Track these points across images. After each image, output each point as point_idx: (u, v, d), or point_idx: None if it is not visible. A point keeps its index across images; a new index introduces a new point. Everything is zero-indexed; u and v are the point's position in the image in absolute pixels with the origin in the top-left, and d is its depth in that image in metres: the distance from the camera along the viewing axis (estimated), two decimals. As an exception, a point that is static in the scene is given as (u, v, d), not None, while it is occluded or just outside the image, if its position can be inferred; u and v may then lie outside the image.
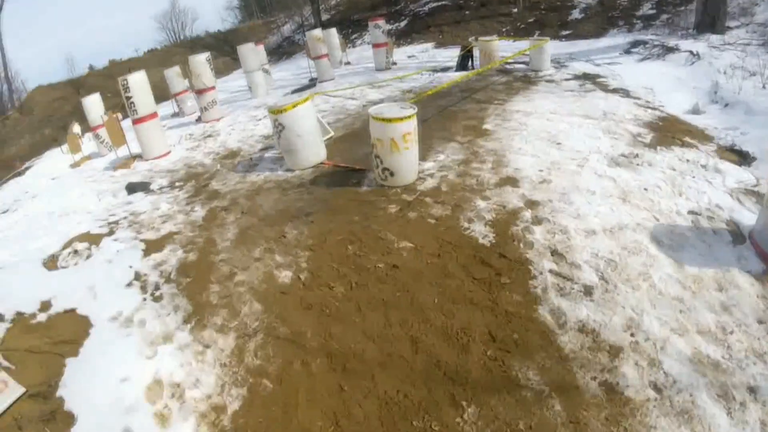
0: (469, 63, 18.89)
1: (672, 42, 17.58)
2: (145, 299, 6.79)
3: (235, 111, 17.60)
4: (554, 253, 6.56)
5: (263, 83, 19.92)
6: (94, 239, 8.61)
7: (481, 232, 7.09)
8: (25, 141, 31.93)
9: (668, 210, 7.37)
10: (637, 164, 8.77)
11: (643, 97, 13.05)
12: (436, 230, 7.25)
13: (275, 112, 9.59)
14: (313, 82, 20.95)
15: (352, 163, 10.04)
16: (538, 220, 7.23)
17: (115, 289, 7.10)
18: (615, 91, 13.61)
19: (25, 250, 8.61)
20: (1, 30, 40.22)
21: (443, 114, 12.84)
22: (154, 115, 13.52)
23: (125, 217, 9.45)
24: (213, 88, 16.60)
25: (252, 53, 19.62)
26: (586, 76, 15.63)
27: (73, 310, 6.73)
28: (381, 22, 20.53)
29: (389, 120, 7.98)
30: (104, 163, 14.14)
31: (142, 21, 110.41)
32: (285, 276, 6.77)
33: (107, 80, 36.61)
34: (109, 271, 7.59)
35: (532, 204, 7.68)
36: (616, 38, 21.29)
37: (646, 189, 7.95)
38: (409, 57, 23.99)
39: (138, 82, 13.11)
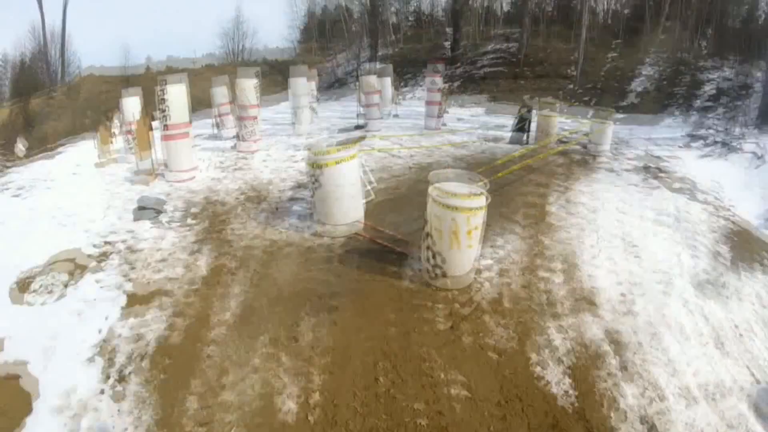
0: (525, 137, 17.04)
1: (732, 137, 16.75)
2: (103, 390, 5.12)
3: (274, 144, 15.87)
4: (649, 427, 4.90)
5: (308, 118, 18.25)
6: (78, 267, 7.30)
7: (557, 382, 5.28)
8: (64, 124, 30.63)
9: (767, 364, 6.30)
10: (726, 296, 7.61)
11: (711, 201, 11.80)
12: (498, 370, 5.39)
13: (315, 165, 7.83)
14: (360, 129, 19.30)
15: (393, 240, 8.22)
16: (627, 373, 5.57)
17: (74, 359, 5.54)
18: (680, 190, 12.31)
19: (5, 260, 7.41)
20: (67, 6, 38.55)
21: (501, 193, 10.98)
22: (186, 133, 11.84)
23: (122, 247, 8.02)
24: (255, 117, 14.90)
25: (302, 84, 18.00)
26: (647, 170, 14.21)
27: (16, 378, 5.31)
28: (438, 78, 18.84)
29: (456, 208, 6.13)
30: (127, 171, 12.47)
31: (204, 21, 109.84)
32: (289, 408, 4.87)
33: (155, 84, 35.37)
34: (76, 327, 6.08)
35: (617, 343, 6.07)
36: (673, 128, 20.24)
37: (741, 335, 6.85)
38: (459, 120, 22.30)
39: (176, 94, 11.48)
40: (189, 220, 9.21)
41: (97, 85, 36.70)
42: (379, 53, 36.32)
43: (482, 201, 6.24)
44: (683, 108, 22.40)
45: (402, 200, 10.11)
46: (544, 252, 8.06)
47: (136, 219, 9.13)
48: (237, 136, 15.10)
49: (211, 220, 9.26)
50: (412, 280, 6.98)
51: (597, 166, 14.37)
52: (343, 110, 26.04)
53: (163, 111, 11.39)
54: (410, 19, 49.70)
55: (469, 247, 6.31)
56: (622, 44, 29.63)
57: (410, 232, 8.05)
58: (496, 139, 17.49)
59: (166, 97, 11.33)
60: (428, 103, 19.09)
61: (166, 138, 11.53)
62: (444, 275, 6.55)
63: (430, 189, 6.46)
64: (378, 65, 19.88)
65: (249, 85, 14.71)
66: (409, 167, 12.94)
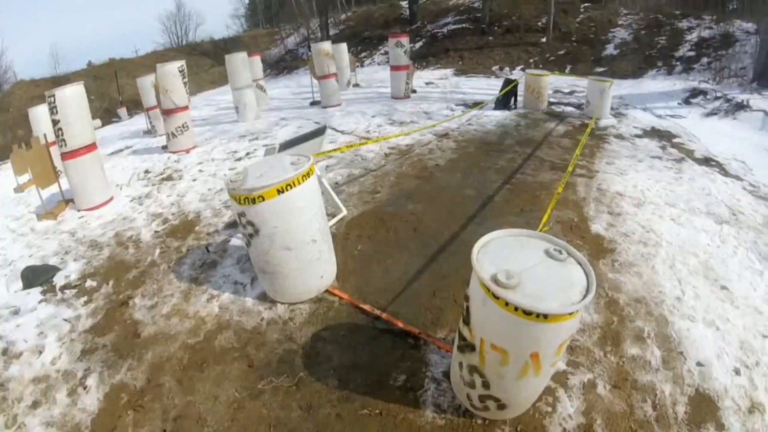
0: (512, 100, 13.80)
1: (736, 95, 14.64)
2: None
3: (214, 139, 12.37)
4: None
5: (254, 105, 14.63)
6: None
7: None
8: (-5, 141, 26.39)
9: None
10: None
11: (744, 175, 9.27)
12: None
13: (241, 199, 4.30)
14: (315, 105, 15.82)
15: (375, 304, 4.98)
16: None
17: None
18: (706, 162, 9.81)
19: None
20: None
21: (513, 186, 7.86)
22: (91, 147, 8.34)
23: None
24: (185, 108, 11.38)
25: (242, 66, 14.36)
26: (657, 134, 11.71)
27: None
28: (404, 39, 15.39)
29: (547, 318, 2.58)
30: (40, 200, 8.58)
31: (145, 21, 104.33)
32: None
33: (95, 81, 31.18)
34: None
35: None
36: (659, 81, 18.29)
37: None
38: (428, 84, 18.98)
39: (69, 101, 7.93)
40: (88, 282, 5.80)
41: (30, 91, 32.05)
42: (331, 33, 32.38)
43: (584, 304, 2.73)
44: (667, 60, 20.21)
45: (387, 217, 6.80)
46: (616, 299, 4.92)
47: (25, 287, 5.82)
48: (166, 135, 11.54)
49: (116, 280, 5.84)
50: (438, 405, 3.64)
51: (604, 134, 11.48)
52: (296, 85, 22.51)
53: (58, 129, 7.96)
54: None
55: (552, 366, 3.00)
56: (590, 6, 26.51)
57: (415, 294, 4.94)
58: (477, 104, 14.18)
59: (57, 111, 7.86)
60: (393, 68, 15.62)
61: (66, 156, 8.13)
62: (500, 408, 3.24)
63: (477, 266, 3.00)
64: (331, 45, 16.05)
65: (172, 71, 11.14)
66: (385, 155, 9.57)
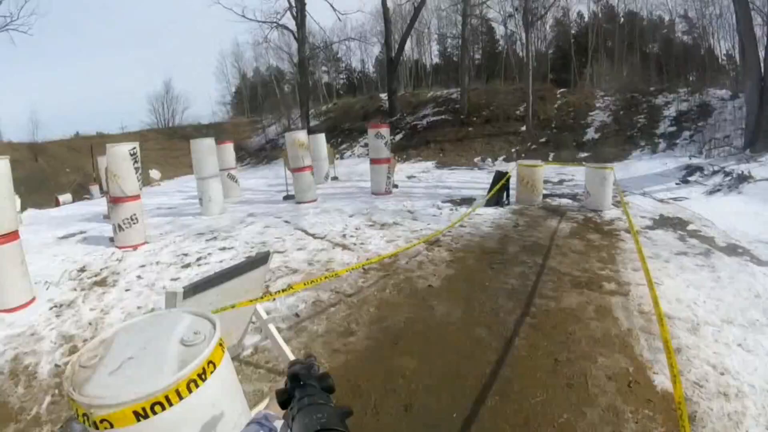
0: (504, 195, 11.80)
1: (733, 167, 13.28)
2: None
3: (169, 234, 10.24)
4: None
5: (219, 197, 12.52)
6: None
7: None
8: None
9: None
10: None
11: None
12: None
13: (79, 413, 1.92)
14: (289, 200, 13.72)
15: None
16: None
17: None
18: (734, 251, 8.03)
19: None
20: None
21: (534, 319, 5.64)
22: (11, 236, 6.49)
23: None
24: (136, 198, 9.31)
25: (208, 154, 12.35)
26: (669, 222, 9.97)
27: None
28: (384, 130, 13.52)
29: None
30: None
31: (136, 98, 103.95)
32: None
33: (70, 152, 29.09)
34: None
35: None
36: (649, 162, 16.89)
37: None
38: (410, 178, 17.08)
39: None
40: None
41: (6, 154, 29.76)
42: (311, 124, 30.85)
43: None
44: (649, 139, 18.99)
45: (364, 382, 4.55)
46: None
47: None
48: (114, 226, 9.39)
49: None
50: None
51: (613, 229, 9.56)
52: (274, 176, 20.52)
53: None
54: (341, 76, 45.13)
55: None
56: (566, 90, 25.36)
57: None
58: (466, 201, 12.18)
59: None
60: (374, 161, 13.66)
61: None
62: None
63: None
64: (308, 136, 14.21)
65: (122, 154, 9.15)
66: (364, 270, 7.35)
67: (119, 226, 9.20)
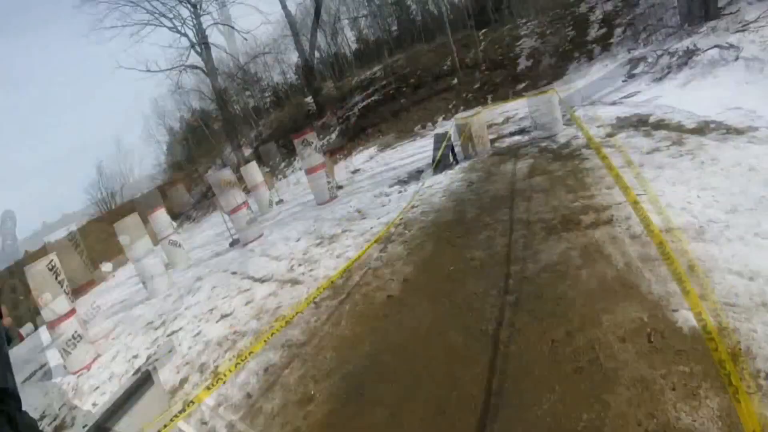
0: (450, 157, 10.82)
1: (676, 45, 12.32)
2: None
3: (121, 335, 9.08)
4: None
5: (160, 273, 11.37)
6: None
7: None
8: None
9: None
10: None
11: (754, 121, 6.90)
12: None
13: None
14: (236, 245, 12.62)
15: None
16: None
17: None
18: (708, 128, 7.24)
19: None
20: None
21: (517, 294, 4.66)
22: None
23: None
24: (70, 314, 8.31)
25: (136, 231, 11.24)
26: (628, 123, 8.92)
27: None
28: (310, 136, 12.45)
29: None
30: None
31: (73, 192, 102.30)
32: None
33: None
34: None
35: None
36: (590, 68, 15.85)
37: None
38: (355, 172, 15.97)
39: None
40: None
41: None
42: (247, 153, 29.62)
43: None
44: (583, 48, 17.87)
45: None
46: None
47: None
48: (60, 352, 8.30)
49: None
50: None
51: (573, 151, 8.61)
52: (222, 223, 19.44)
53: None
54: (267, 94, 43.77)
55: None
56: (488, 30, 24.35)
57: None
58: (414, 175, 11.18)
59: None
60: (309, 171, 12.61)
61: None
62: None
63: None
64: (241, 168, 13.16)
65: (41, 272, 8.17)
66: (315, 304, 6.31)
67: (65, 350, 8.09)
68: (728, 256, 4.06)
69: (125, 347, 8.23)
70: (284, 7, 27.05)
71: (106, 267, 25.11)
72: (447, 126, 13.95)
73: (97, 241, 27.26)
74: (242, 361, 4.80)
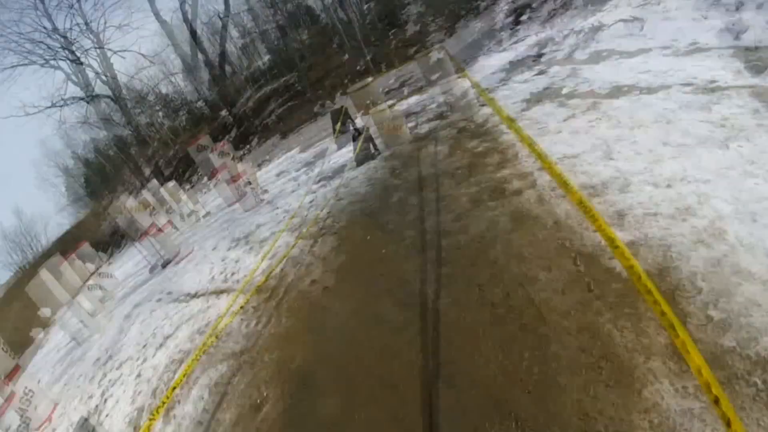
0: (371, 147, 10.68)
1: (582, 24, 12.13)
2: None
3: (67, 386, 8.43)
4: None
5: (89, 320, 10.57)
6: None
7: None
8: None
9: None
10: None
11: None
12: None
13: None
14: (168, 266, 12.05)
15: None
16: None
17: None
18: (619, 92, 7.30)
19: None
20: None
21: (449, 264, 4.59)
22: None
23: None
24: (14, 371, 8.11)
25: (48, 287, 10.51)
26: (542, 96, 8.80)
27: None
28: (203, 139, 12.08)
29: None
30: None
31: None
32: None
33: None
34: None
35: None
36: (480, 23, 15.74)
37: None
38: (279, 175, 15.49)
39: None
40: None
41: None
42: (167, 173, 28.57)
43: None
44: (468, 3, 17.80)
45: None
46: None
47: None
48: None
49: None
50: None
51: (491, 127, 8.47)
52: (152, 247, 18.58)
53: None
54: (182, 113, 42.30)
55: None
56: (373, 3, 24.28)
57: None
58: (336, 172, 10.97)
59: None
60: (211, 174, 12.27)
61: None
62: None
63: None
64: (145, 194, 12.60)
65: None
66: (254, 309, 6.09)
67: (21, 411, 7.49)
68: (652, 201, 4.10)
69: (76, 396, 7.71)
70: (193, 33, 26.24)
71: (44, 312, 23.66)
72: (345, 100, 13.72)
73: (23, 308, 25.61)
74: (178, 384, 4.54)
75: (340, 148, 10.27)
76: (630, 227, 3.86)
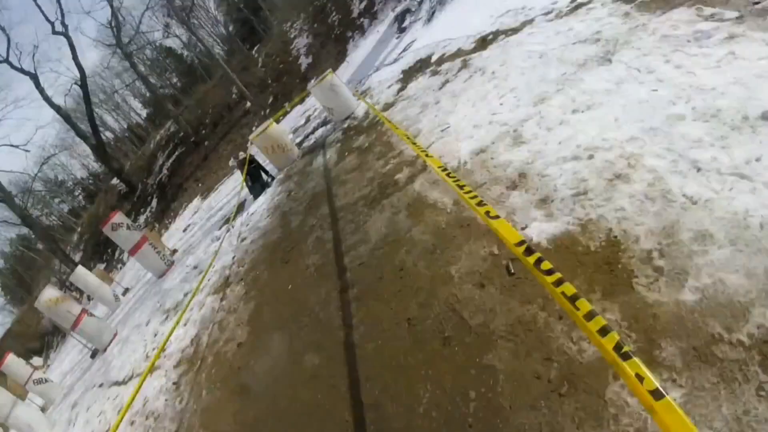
0: (264, 176, 10.04)
1: None
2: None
3: None
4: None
5: (37, 423, 9.60)
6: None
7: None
8: None
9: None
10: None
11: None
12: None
13: None
14: (96, 356, 11.01)
15: None
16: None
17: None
18: (491, 42, 6.94)
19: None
20: None
21: (359, 293, 4.01)
22: None
23: None
24: None
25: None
26: (414, 71, 8.66)
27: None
28: (117, 217, 11.10)
29: None
30: None
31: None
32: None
33: None
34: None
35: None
36: (366, 40, 15.47)
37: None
38: (185, 230, 14.67)
39: None
40: None
41: None
42: (78, 258, 26.87)
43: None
44: (352, 25, 17.49)
45: None
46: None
47: None
48: None
49: None
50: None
51: (372, 121, 8.04)
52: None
53: None
54: (76, 193, 40.28)
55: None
56: (260, 46, 23.63)
57: None
58: (238, 210, 10.23)
59: None
60: (131, 252, 11.25)
61: None
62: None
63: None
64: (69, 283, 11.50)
65: None
66: (175, 385, 5.37)
67: None
68: (555, 146, 3.64)
69: None
70: (52, 104, 24.52)
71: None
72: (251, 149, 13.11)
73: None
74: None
75: (256, 198, 9.58)
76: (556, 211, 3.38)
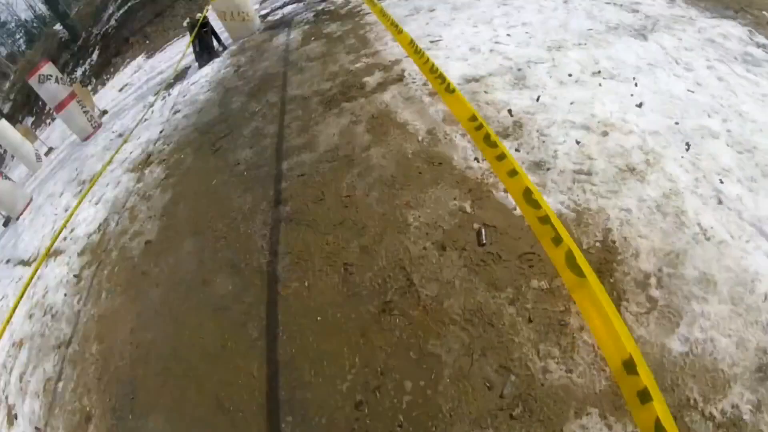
0: (215, 42, 9.05)
1: None
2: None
3: None
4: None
5: None
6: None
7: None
8: None
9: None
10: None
11: None
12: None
13: None
14: (8, 224, 10.14)
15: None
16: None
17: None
18: None
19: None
20: None
21: (295, 213, 3.32)
22: None
23: None
24: None
25: None
26: None
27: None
28: (46, 68, 9.92)
29: None
30: None
31: None
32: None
33: None
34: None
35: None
36: None
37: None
38: (123, 89, 13.51)
39: None
40: None
41: None
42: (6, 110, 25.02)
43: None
44: None
45: None
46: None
47: None
48: None
49: None
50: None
51: (354, 8, 7.13)
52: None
53: None
54: (19, 38, 37.50)
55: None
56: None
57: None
58: (179, 76, 9.26)
59: None
60: (58, 108, 10.18)
61: None
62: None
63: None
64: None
65: None
66: (76, 278, 4.73)
67: None
68: (565, 104, 3.02)
69: None
70: None
71: None
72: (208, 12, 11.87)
73: None
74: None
75: (201, 66, 8.58)
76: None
